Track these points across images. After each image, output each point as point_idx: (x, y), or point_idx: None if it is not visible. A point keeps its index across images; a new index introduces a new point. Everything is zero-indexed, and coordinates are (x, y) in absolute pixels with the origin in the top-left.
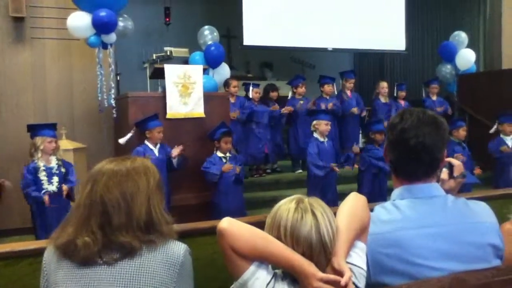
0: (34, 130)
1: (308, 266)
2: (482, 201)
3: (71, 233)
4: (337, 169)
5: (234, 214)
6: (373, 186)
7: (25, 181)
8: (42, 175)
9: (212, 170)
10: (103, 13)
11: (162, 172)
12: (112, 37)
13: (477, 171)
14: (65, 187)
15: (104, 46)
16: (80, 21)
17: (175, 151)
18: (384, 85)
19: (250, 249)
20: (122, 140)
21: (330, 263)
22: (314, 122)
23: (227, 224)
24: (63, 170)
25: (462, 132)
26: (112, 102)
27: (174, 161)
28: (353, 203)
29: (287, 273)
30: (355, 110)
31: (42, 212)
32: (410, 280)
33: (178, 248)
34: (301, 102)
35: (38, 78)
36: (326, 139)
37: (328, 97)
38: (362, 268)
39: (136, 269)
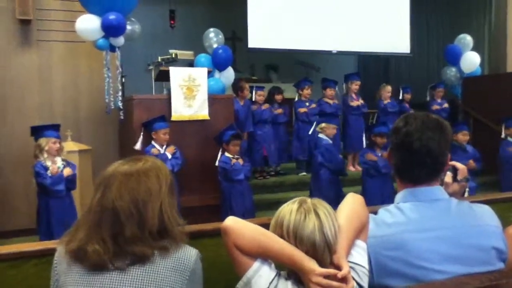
0: (37, 131)
1: (308, 262)
2: (486, 205)
3: (81, 239)
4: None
5: (243, 217)
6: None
7: (40, 173)
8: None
9: (235, 168)
10: (112, 16)
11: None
12: (120, 40)
13: (471, 164)
14: (69, 170)
15: (112, 49)
16: (89, 24)
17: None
18: (388, 89)
19: (253, 246)
20: (137, 146)
21: (332, 261)
22: (323, 125)
23: (231, 222)
24: (67, 168)
25: (461, 137)
26: (120, 104)
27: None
28: (351, 203)
29: (292, 272)
30: (356, 103)
31: (48, 211)
32: (414, 283)
33: (190, 254)
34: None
35: (44, 81)
36: (331, 141)
37: (331, 101)
38: (364, 267)
39: (147, 276)
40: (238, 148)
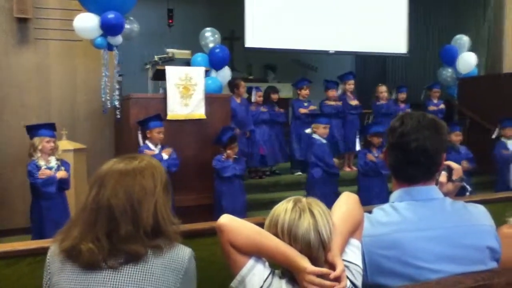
0: (32, 130)
1: (301, 261)
2: (481, 204)
3: (76, 237)
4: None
5: (236, 216)
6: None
7: (32, 172)
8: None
9: (225, 165)
10: (111, 15)
11: None
12: (118, 39)
13: (464, 165)
14: (63, 173)
15: (110, 47)
16: (87, 22)
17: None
18: (383, 89)
19: (247, 243)
20: (141, 143)
21: (326, 259)
22: (313, 125)
23: (226, 219)
24: (62, 169)
25: (454, 137)
26: (116, 103)
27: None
28: (346, 201)
29: (286, 271)
30: (354, 102)
31: (40, 210)
32: (409, 282)
33: (183, 253)
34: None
35: (42, 79)
36: (325, 141)
37: (333, 102)
38: (358, 266)
39: (140, 275)
40: (237, 149)
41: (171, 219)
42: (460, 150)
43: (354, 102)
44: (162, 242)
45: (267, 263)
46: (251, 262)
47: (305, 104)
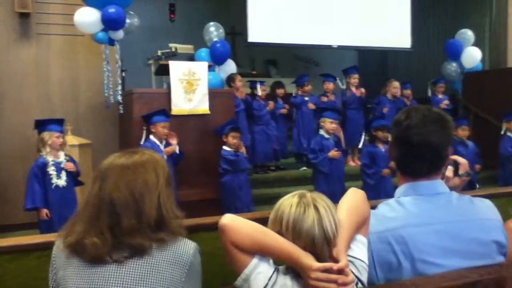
0: (41, 125)
1: (305, 258)
2: (486, 199)
3: (80, 232)
4: (335, 153)
5: (242, 210)
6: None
7: (29, 176)
8: (51, 170)
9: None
10: (112, 9)
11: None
12: (119, 34)
13: (477, 167)
14: (71, 164)
15: (111, 42)
16: (88, 17)
17: (173, 139)
18: (396, 84)
19: (250, 243)
20: (142, 141)
21: (330, 255)
22: (320, 119)
23: (227, 220)
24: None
25: (461, 132)
26: (119, 98)
27: (176, 148)
28: (352, 197)
29: (289, 267)
30: (360, 91)
31: (48, 205)
32: (415, 276)
33: (188, 247)
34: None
35: (43, 74)
36: (332, 136)
37: (329, 95)
38: (363, 261)
39: (145, 269)
40: (238, 140)
41: (175, 213)
42: (468, 144)
43: (361, 91)
44: (166, 235)
45: (271, 261)
46: (255, 260)
47: (306, 99)
